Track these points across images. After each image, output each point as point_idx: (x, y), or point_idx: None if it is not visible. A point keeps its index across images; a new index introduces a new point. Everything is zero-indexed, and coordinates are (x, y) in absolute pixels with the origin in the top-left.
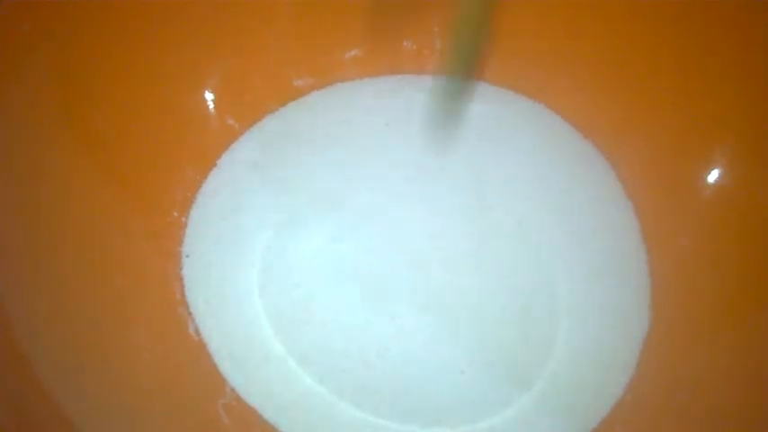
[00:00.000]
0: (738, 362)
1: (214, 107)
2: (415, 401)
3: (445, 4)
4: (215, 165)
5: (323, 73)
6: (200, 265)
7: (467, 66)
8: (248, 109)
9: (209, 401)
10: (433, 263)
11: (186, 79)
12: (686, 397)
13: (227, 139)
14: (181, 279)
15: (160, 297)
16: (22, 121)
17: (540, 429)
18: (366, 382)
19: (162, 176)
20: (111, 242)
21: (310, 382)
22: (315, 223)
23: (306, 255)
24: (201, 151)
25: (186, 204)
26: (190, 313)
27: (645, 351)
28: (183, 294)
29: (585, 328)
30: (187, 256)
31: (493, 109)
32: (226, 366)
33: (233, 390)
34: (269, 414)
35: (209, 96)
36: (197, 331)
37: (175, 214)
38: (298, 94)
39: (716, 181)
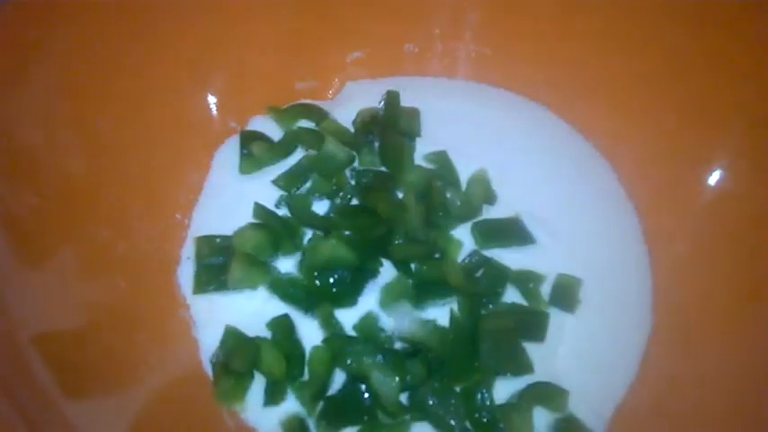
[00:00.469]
0: (740, 364)
1: (216, 109)
2: None
3: (446, 7)
4: (216, 166)
5: (325, 75)
6: (201, 267)
7: None
8: (250, 111)
9: (213, 405)
10: None
11: (189, 82)
12: (688, 399)
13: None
14: (183, 282)
15: (163, 300)
16: (25, 124)
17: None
18: None
19: (165, 179)
20: (113, 245)
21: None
22: None
23: None
24: (204, 153)
25: (188, 206)
26: (192, 316)
27: (647, 354)
28: (185, 297)
29: (588, 331)
30: (188, 258)
31: (496, 110)
32: None
33: None
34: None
35: (211, 99)
36: (199, 334)
37: (178, 216)
38: (299, 96)
39: (717, 183)
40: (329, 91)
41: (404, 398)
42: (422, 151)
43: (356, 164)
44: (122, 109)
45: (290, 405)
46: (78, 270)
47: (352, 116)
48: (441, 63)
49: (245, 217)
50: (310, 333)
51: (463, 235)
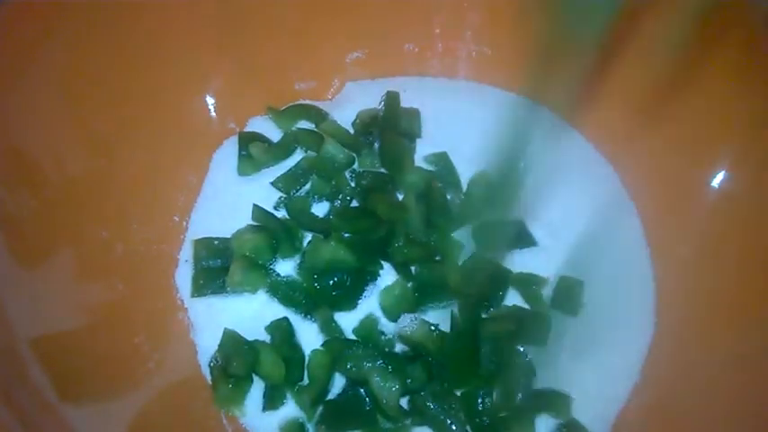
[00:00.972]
0: (743, 366)
1: (215, 110)
2: None
3: (447, 6)
4: (215, 168)
5: (324, 76)
6: (199, 270)
7: None
8: (249, 112)
9: (211, 409)
10: None
11: (188, 83)
12: (692, 402)
13: (227, 142)
14: (181, 285)
15: (161, 303)
16: (23, 125)
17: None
18: None
19: (163, 180)
20: (111, 247)
21: None
22: None
23: None
24: (202, 155)
25: (187, 208)
26: (190, 319)
27: (650, 357)
28: (183, 300)
29: (590, 334)
30: (186, 261)
31: (497, 111)
32: None
33: None
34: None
35: (210, 100)
36: (198, 337)
37: (176, 218)
38: (298, 96)
39: (720, 185)
40: (329, 92)
41: (404, 402)
42: (422, 152)
43: (356, 165)
44: (121, 110)
45: (290, 409)
46: (76, 272)
47: (352, 117)
48: (441, 63)
49: (244, 219)
50: (310, 337)
51: (464, 237)
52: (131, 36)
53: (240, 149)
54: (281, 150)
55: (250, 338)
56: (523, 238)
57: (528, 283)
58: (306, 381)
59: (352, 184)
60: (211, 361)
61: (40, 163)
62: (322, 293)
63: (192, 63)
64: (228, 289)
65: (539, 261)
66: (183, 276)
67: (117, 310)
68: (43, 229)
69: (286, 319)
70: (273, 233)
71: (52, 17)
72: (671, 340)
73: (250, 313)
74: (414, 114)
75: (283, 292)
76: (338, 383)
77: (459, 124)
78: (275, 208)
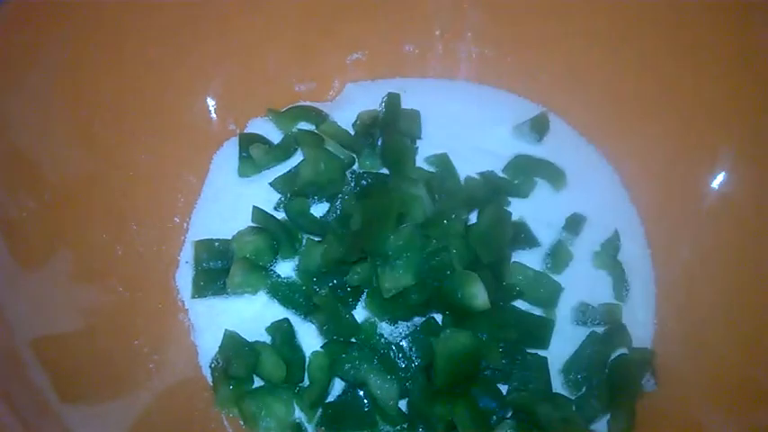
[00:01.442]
0: (743, 368)
1: (215, 112)
2: None
3: (447, 7)
4: (215, 169)
5: (324, 77)
6: (200, 272)
7: None
8: (249, 114)
9: (212, 410)
10: None
11: (188, 85)
12: (693, 402)
13: (228, 143)
14: (181, 286)
15: (161, 304)
16: (23, 127)
17: None
18: None
19: (163, 182)
20: (111, 249)
21: None
22: None
23: None
24: (203, 156)
25: (187, 210)
26: (190, 320)
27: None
28: (183, 302)
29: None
30: (186, 263)
31: (498, 112)
32: None
33: None
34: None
35: (210, 102)
36: (198, 338)
37: (176, 220)
38: (299, 98)
39: (720, 187)
40: (329, 93)
41: (403, 404)
42: (423, 154)
43: (356, 166)
44: (121, 112)
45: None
46: (76, 274)
47: (353, 118)
48: (441, 64)
49: (245, 220)
50: (310, 338)
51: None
52: (131, 39)
53: (240, 151)
54: (281, 152)
55: (251, 340)
56: (527, 239)
57: (537, 286)
58: (306, 382)
59: (352, 185)
60: (212, 362)
61: (41, 165)
62: (320, 296)
63: (192, 65)
64: (229, 290)
65: (540, 261)
66: (184, 278)
67: (117, 312)
68: (43, 231)
69: (287, 320)
70: (274, 235)
71: (53, 19)
72: (671, 341)
73: (250, 314)
74: (414, 116)
75: (283, 293)
76: (338, 385)
77: (459, 125)
78: (275, 209)
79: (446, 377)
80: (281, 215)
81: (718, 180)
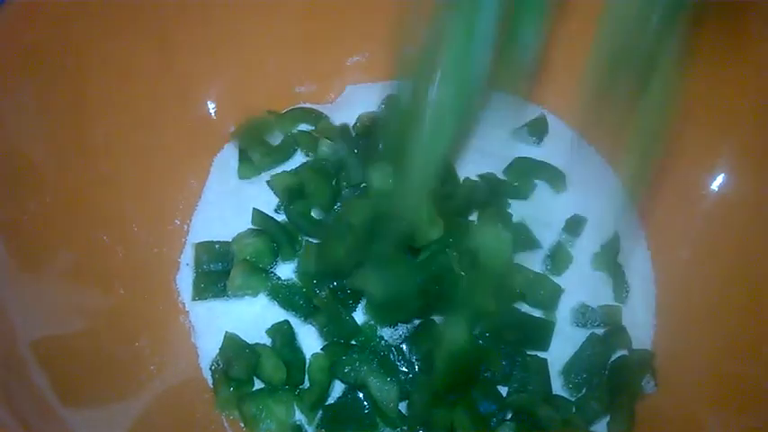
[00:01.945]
0: (743, 369)
1: (215, 114)
2: None
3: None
4: (215, 171)
5: (325, 79)
6: (200, 274)
7: None
8: (249, 115)
9: (213, 413)
10: None
11: (188, 86)
12: (692, 404)
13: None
14: (182, 288)
15: (162, 307)
16: (23, 128)
17: None
18: None
19: (163, 184)
20: (112, 251)
21: None
22: None
23: None
24: (203, 158)
25: (187, 212)
26: (191, 323)
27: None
28: (184, 304)
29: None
30: (187, 265)
31: (497, 113)
32: None
33: None
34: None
35: (210, 104)
36: (199, 340)
37: (177, 222)
38: (299, 100)
39: (720, 188)
40: (329, 95)
41: (403, 407)
42: None
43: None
44: (121, 114)
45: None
46: (77, 276)
47: (353, 120)
48: None
49: (245, 222)
50: (310, 340)
51: None
52: (132, 40)
53: (240, 153)
54: (280, 153)
55: (251, 342)
56: (528, 241)
57: (538, 287)
58: (306, 384)
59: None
60: (212, 364)
61: (41, 167)
62: (319, 298)
63: (192, 67)
64: (229, 292)
65: (540, 263)
66: (184, 280)
67: (118, 314)
68: (44, 233)
69: (287, 322)
70: (274, 237)
71: (53, 20)
72: (671, 342)
73: (251, 317)
74: None
75: (284, 295)
76: (338, 387)
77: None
78: (276, 211)
79: (447, 379)
80: (281, 217)
81: (717, 181)
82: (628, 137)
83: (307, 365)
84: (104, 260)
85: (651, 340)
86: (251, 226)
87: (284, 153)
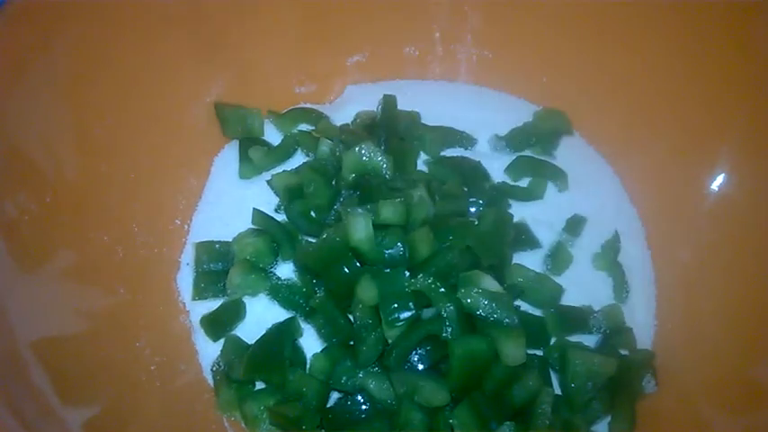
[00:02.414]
0: (744, 370)
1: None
2: None
3: (447, 10)
4: (216, 172)
5: (325, 79)
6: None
7: None
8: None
9: (213, 413)
10: None
11: (189, 87)
12: (694, 404)
13: (228, 146)
14: (182, 288)
15: (162, 306)
16: (24, 128)
17: None
18: None
19: (164, 184)
20: (112, 251)
21: None
22: None
23: None
24: (203, 159)
25: (188, 212)
26: (191, 322)
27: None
28: (184, 303)
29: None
30: (187, 264)
31: (497, 114)
32: None
33: None
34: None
35: (211, 104)
36: (199, 340)
37: (177, 222)
38: (299, 100)
39: (720, 188)
40: (329, 95)
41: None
42: (423, 156)
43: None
44: (122, 114)
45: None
46: (77, 276)
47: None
48: (441, 66)
49: (245, 222)
50: (311, 339)
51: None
52: (132, 41)
53: (241, 153)
54: (281, 153)
55: (251, 342)
56: (528, 241)
57: (536, 287)
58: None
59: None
60: (213, 365)
61: (42, 167)
62: (315, 299)
63: (193, 67)
64: (229, 292)
65: (541, 263)
66: (185, 279)
67: (118, 314)
68: (45, 233)
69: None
70: (274, 237)
71: (54, 20)
72: (672, 342)
73: (251, 317)
74: (414, 118)
75: (284, 295)
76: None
77: (459, 127)
78: (276, 211)
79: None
80: (281, 217)
81: (717, 181)
82: None
83: (308, 366)
84: (105, 260)
85: (651, 340)
86: (251, 226)
87: (284, 153)
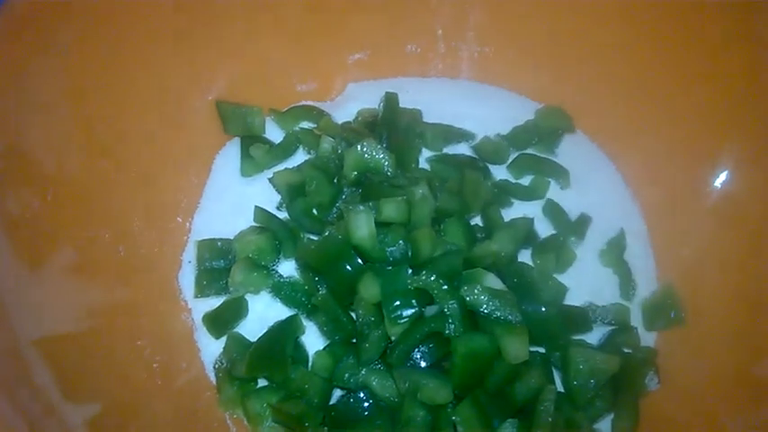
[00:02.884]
0: (745, 368)
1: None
2: None
3: (448, 7)
4: (217, 169)
5: (326, 77)
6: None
7: None
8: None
9: (216, 410)
10: None
11: (191, 85)
12: (695, 402)
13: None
14: (184, 286)
15: (164, 304)
16: (26, 126)
17: None
18: None
19: (166, 182)
20: (114, 248)
21: None
22: None
23: None
24: (205, 156)
25: (190, 210)
26: (193, 320)
27: None
28: (186, 301)
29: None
30: (189, 262)
31: (499, 111)
32: None
33: None
34: None
35: (212, 102)
36: (201, 337)
37: (179, 219)
38: (300, 98)
39: (723, 185)
40: (331, 93)
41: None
42: (425, 153)
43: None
44: (124, 112)
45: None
46: (79, 273)
47: (354, 117)
48: (443, 64)
49: (247, 220)
50: (314, 337)
51: None
52: (134, 39)
53: (242, 151)
54: (282, 151)
55: (254, 340)
56: (530, 239)
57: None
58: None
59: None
60: (216, 363)
61: (43, 165)
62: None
63: (194, 65)
64: (231, 290)
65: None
66: (186, 277)
67: (120, 312)
68: (46, 231)
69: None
70: (276, 234)
71: (54, 19)
72: (673, 341)
73: (253, 314)
74: (416, 115)
75: (286, 293)
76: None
77: (461, 125)
78: (277, 209)
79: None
80: (283, 215)
81: (720, 179)
82: None
83: (310, 364)
84: (106, 258)
85: (654, 337)
86: (253, 223)
87: (286, 150)
